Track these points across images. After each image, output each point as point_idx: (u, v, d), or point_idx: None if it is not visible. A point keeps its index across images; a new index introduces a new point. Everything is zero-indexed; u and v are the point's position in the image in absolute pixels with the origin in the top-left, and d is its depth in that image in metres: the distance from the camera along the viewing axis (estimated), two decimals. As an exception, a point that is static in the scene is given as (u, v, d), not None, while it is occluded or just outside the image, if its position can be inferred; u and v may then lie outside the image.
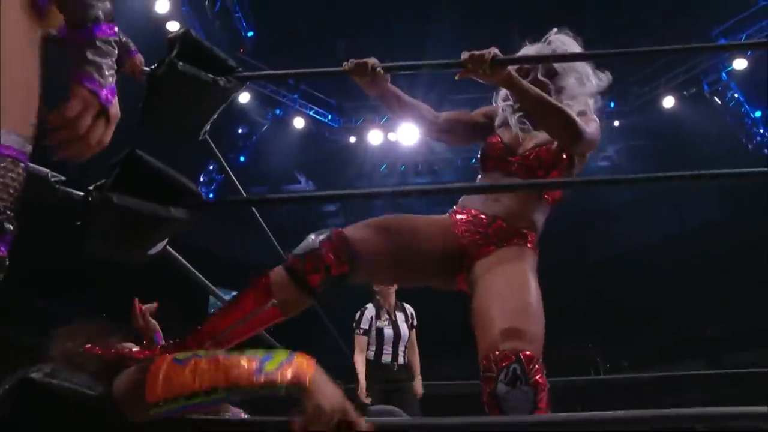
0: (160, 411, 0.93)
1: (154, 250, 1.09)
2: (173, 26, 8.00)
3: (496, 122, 1.78)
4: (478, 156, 1.81)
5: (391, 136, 10.13)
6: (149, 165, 1.01)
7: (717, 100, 9.38)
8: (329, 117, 10.45)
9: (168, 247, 1.32)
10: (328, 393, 0.94)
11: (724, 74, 9.14)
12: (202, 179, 10.36)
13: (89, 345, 1.03)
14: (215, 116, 1.38)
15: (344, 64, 1.54)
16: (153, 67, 1.29)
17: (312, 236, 1.49)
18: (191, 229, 1.17)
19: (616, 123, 10.22)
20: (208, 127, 1.41)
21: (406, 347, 3.93)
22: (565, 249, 11.17)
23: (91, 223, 1.01)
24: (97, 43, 0.84)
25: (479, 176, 1.80)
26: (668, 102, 9.53)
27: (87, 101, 0.83)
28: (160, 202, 0.99)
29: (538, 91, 1.57)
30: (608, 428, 1.03)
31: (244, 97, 9.22)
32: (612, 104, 10.12)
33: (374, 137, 10.24)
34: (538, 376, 1.29)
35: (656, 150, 10.21)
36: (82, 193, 1.06)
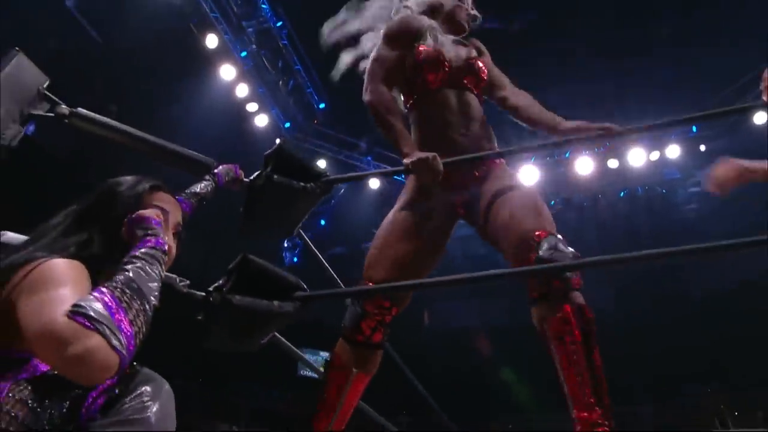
0: None
1: (264, 339, 1.25)
2: (252, 107, 8.73)
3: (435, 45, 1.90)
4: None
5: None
6: (260, 267, 1.18)
7: (822, 107, 8.49)
8: (402, 175, 10.71)
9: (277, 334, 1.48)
10: None
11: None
12: (285, 245, 10.88)
13: None
14: (307, 215, 1.57)
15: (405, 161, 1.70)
16: (252, 177, 1.50)
17: (350, 305, 1.69)
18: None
19: (702, 148, 9.66)
20: (301, 224, 1.60)
21: None
22: (666, 284, 10.42)
23: (212, 320, 1.18)
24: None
25: (417, 106, 1.92)
26: (760, 118, 8.63)
27: None
28: (271, 299, 1.15)
29: None
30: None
31: (321, 164, 9.75)
32: (694, 128, 9.64)
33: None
34: (571, 249, 1.51)
35: (751, 172, 9.44)
36: (203, 294, 1.25)
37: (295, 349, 1.98)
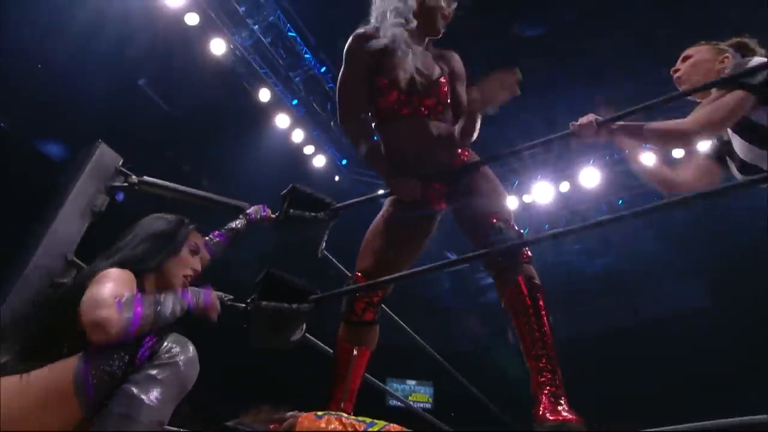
0: None
1: (294, 337, 1.59)
2: (309, 149, 9.36)
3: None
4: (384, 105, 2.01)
5: (526, 198, 10.05)
6: (280, 278, 1.55)
7: None
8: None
9: (308, 335, 1.83)
10: None
11: None
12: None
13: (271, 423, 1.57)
14: (325, 239, 1.96)
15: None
16: (276, 215, 1.90)
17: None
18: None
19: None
20: (323, 246, 1.99)
21: None
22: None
23: (251, 323, 1.54)
24: None
25: (379, 129, 2.08)
26: None
27: None
28: (291, 302, 1.51)
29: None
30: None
31: (380, 192, 10.16)
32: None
33: (509, 204, 10.24)
34: (516, 228, 1.82)
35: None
36: (243, 305, 1.62)
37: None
